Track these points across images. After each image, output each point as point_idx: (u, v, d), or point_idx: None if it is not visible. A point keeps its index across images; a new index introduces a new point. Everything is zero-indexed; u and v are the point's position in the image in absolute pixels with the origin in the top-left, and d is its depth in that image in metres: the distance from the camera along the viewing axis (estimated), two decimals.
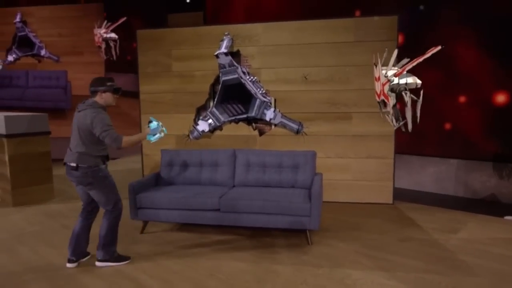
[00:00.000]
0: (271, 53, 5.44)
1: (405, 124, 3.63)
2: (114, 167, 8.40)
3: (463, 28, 5.85)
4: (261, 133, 5.61)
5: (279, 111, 5.46)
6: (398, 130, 3.84)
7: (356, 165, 5.37)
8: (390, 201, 5.34)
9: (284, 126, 5.47)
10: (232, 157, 4.69)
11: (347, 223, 4.63)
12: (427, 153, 6.67)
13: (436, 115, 6.22)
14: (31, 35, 9.97)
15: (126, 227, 4.51)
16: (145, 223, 4.39)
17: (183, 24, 10.05)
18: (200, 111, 5.77)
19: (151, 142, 3.58)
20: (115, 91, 3.46)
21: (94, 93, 3.41)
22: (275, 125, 5.52)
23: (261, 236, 4.20)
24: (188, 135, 5.78)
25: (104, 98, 3.41)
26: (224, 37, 5.54)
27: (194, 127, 5.71)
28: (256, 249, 3.89)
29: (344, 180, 5.41)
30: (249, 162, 4.64)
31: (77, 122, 3.35)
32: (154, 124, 3.56)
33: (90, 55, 9.67)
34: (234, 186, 4.63)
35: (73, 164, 3.34)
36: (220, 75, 5.54)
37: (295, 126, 5.45)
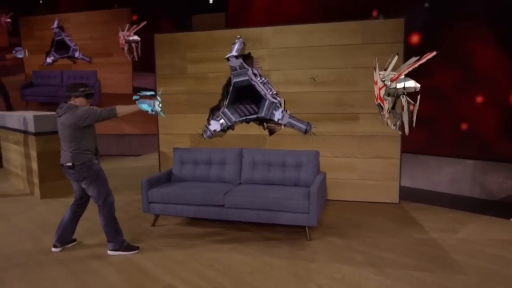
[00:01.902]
0: (281, 55, 5.63)
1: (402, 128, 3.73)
2: (136, 164, 8.88)
3: (481, 27, 5.82)
4: (271, 132, 5.82)
5: (287, 111, 5.65)
6: (411, 131, 3.93)
7: (363, 165, 5.49)
8: (396, 201, 5.42)
9: (292, 126, 5.65)
10: (239, 156, 4.93)
11: (349, 221, 4.77)
12: (444, 154, 6.66)
13: (453, 115, 6.22)
14: (66, 39, 10.82)
15: (140, 219, 4.87)
16: (157, 216, 4.70)
17: (206, 24, 10.43)
18: (214, 111, 6.03)
19: (143, 110, 3.73)
20: (87, 96, 3.77)
21: (68, 97, 3.75)
22: (284, 125, 5.71)
23: (263, 231, 4.42)
24: (202, 134, 6.06)
25: (77, 102, 3.73)
26: (236, 40, 5.78)
27: (207, 127, 5.99)
28: (256, 243, 4.11)
29: (350, 179, 5.54)
30: (254, 160, 4.87)
31: (63, 125, 3.68)
32: (146, 92, 3.75)
33: (118, 56, 10.24)
34: (240, 183, 4.87)
35: (69, 164, 3.69)
36: (232, 77, 5.78)
37: (303, 127, 5.62)
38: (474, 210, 5.13)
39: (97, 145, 3.87)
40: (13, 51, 9.06)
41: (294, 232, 4.36)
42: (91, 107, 3.81)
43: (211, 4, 11.33)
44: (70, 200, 4.67)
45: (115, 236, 3.88)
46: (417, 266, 3.52)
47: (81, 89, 3.73)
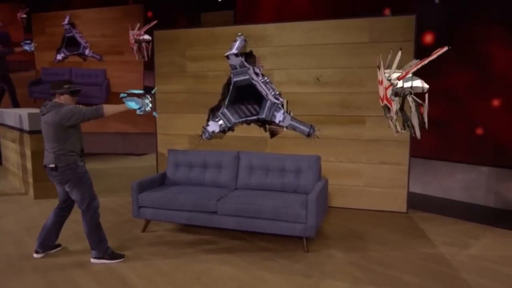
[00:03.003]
0: (284, 53, 5.34)
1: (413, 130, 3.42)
2: (139, 163, 8.70)
3: (498, 26, 5.44)
4: (273, 135, 5.54)
5: (290, 113, 5.36)
6: (422, 135, 3.61)
7: (369, 171, 5.17)
8: (404, 210, 5.09)
9: (294, 128, 5.36)
10: (236, 159, 4.67)
11: (352, 231, 4.47)
12: (456, 159, 6.29)
13: (467, 118, 5.84)
14: (77, 35, 10.62)
15: (131, 224, 4.64)
16: (147, 222, 4.47)
17: (215, 22, 10.17)
18: (214, 112, 5.78)
19: (131, 108, 3.49)
20: (72, 93, 3.55)
21: (53, 95, 3.54)
22: (285, 127, 5.43)
23: (257, 241, 4.15)
24: (201, 135, 5.82)
25: (62, 100, 3.53)
26: (237, 38, 5.52)
27: (205, 128, 5.74)
28: (249, 254, 3.85)
29: (356, 186, 5.23)
30: (252, 165, 4.60)
31: (46, 124, 3.48)
32: (135, 90, 3.53)
33: (129, 55, 9.89)
34: (236, 188, 4.61)
35: (52, 165, 3.47)
36: (232, 76, 5.52)
37: (306, 129, 5.33)
38: (487, 222, 4.77)
39: (82, 146, 3.65)
40: (21, 43, 8.98)
41: (291, 243, 4.08)
42: (77, 106, 3.59)
43: (220, 1, 11.11)
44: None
45: (98, 243, 3.66)
46: (421, 285, 3.20)
47: (65, 86, 3.52)
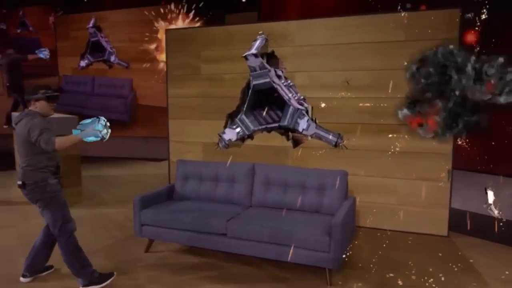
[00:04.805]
0: (306, 54, 4.78)
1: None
2: (156, 170, 8.30)
3: None
4: (296, 144, 4.98)
5: (314, 120, 4.79)
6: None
7: (404, 187, 4.52)
8: (444, 233, 4.41)
9: (319, 137, 4.79)
10: (251, 172, 4.14)
11: (383, 259, 3.84)
12: (505, 173, 5.53)
13: None
14: (103, 40, 9.91)
15: (133, 242, 4.19)
16: (151, 241, 4.00)
17: (239, 24, 9.67)
18: (232, 118, 5.28)
19: (87, 141, 3.02)
20: (49, 99, 3.12)
21: (28, 101, 3.14)
22: (310, 136, 4.86)
23: (272, 268, 3.59)
24: (218, 144, 5.33)
25: (38, 106, 3.12)
26: (258, 37, 5.01)
27: (221, 136, 5.25)
28: (260, 283, 3.32)
29: (387, 204, 4.59)
30: (268, 179, 4.06)
31: (17, 135, 3.09)
32: (86, 120, 3.00)
33: (159, 62, 9.18)
34: (250, 206, 4.08)
35: (19, 182, 3.06)
36: (251, 78, 5.01)
37: (332, 139, 4.74)
38: None
39: (58, 162, 3.21)
40: (36, 51, 8.63)
41: (311, 272, 3.49)
42: (45, 123, 3.08)
43: (244, 2, 10.67)
44: (75, 211, 4.11)
45: (81, 269, 3.21)
46: None
47: (41, 91, 3.11)
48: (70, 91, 10.42)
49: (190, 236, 3.68)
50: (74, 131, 2.92)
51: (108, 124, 2.99)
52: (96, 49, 10.03)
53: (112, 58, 9.83)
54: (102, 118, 2.95)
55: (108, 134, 2.98)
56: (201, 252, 3.91)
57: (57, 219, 3.13)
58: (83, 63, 10.22)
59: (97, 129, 2.89)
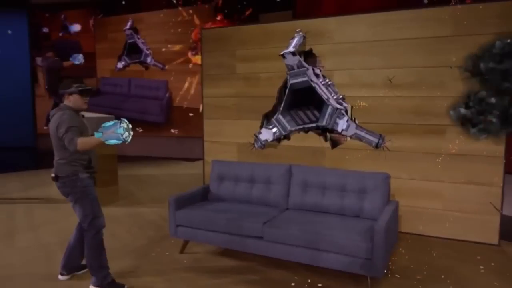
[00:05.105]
0: (346, 51, 4.60)
1: None
2: (191, 170, 8.32)
3: None
4: (334, 145, 4.80)
5: (355, 120, 4.60)
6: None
7: (450, 192, 4.25)
8: (495, 241, 4.11)
9: (359, 138, 4.59)
10: (287, 174, 4.01)
11: (429, 267, 3.61)
12: None
13: None
14: (139, 42, 9.98)
15: (169, 242, 4.17)
16: (186, 242, 3.95)
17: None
18: (268, 118, 5.17)
19: (108, 144, 2.93)
20: (82, 92, 3.09)
21: (62, 96, 3.12)
22: (349, 137, 4.67)
23: (310, 274, 3.44)
24: (253, 144, 5.24)
25: (72, 101, 3.10)
26: (295, 35, 4.87)
27: (257, 136, 5.15)
28: None
29: (432, 209, 4.34)
30: (306, 181, 3.92)
31: (50, 129, 3.07)
32: (108, 123, 2.91)
33: (195, 64, 9.17)
34: (287, 208, 3.95)
35: (52, 175, 3.08)
36: (288, 77, 4.88)
37: (373, 140, 4.53)
38: None
39: (91, 157, 3.17)
40: (71, 58, 8.78)
41: (351, 279, 3.33)
42: (74, 119, 3.04)
43: (278, 2, 10.55)
44: (108, 210, 4.16)
45: (97, 269, 3.18)
46: None
47: (75, 85, 3.09)
48: (107, 93, 10.56)
49: (225, 239, 3.60)
50: (96, 134, 2.87)
51: (130, 126, 2.92)
52: (133, 50, 10.14)
53: (149, 60, 9.89)
54: (124, 120, 2.89)
55: (130, 137, 2.91)
56: (237, 254, 3.81)
57: (87, 214, 3.12)
58: (120, 65, 10.37)
59: (118, 132, 2.81)
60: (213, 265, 3.66)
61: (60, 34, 11.38)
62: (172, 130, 9.73)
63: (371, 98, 4.52)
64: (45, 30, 11.49)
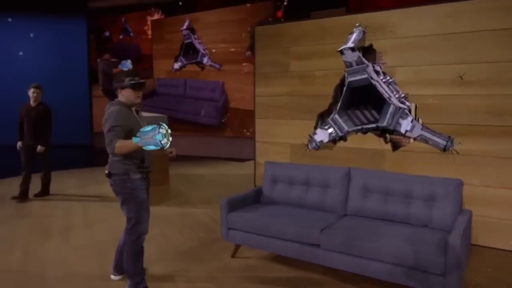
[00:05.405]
0: (410, 46, 4.26)
1: None
2: (240, 170, 8.21)
3: None
4: (395, 147, 4.47)
5: (420, 121, 4.25)
6: None
7: None
8: None
9: (425, 140, 4.23)
10: (346, 177, 3.74)
11: (507, 286, 3.21)
12: None
13: None
14: (196, 42, 9.86)
15: (220, 246, 4.04)
16: (238, 246, 3.80)
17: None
18: (323, 118, 4.93)
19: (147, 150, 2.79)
20: (134, 86, 2.94)
21: (116, 90, 3.01)
22: (413, 138, 4.32)
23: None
24: (307, 145, 5.01)
25: (124, 95, 2.98)
26: (354, 29, 4.59)
27: (311, 137, 4.91)
28: None
29: (508, 220, 3.89)
30: (367, 186, 3.63)
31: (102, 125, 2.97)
32: (147, 127, 2.76)
33: (252, 63, 8.93)
34: (345, 214, 3.68)
35: (106, 171, 2.99)
36: (346, 75, 4.61)
37: (441, 142, 4.16)
38: None
39: (145, 156, 3.02)
40: (119, 65, 8.96)
41: None
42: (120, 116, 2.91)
43: None
44: (160, 209, 4.11)
45: (132, 275, 3.07)
46: None
47: (127, 79, 2.96)
48: (163, 94, 10.54)
49: (279, 245, 3.40)
50: (134, 139, 2.74)
51: (169, 131, 2.78)
52: (189, 51, 10.03)
53: (205, 60, 9.76)
54: (163, 125, 2.74)
55: (169, 143, 2.77)
56: (292, 262, 3.60)
57: (131, 217, 3.02)
58: (176, 66, 10.31)
59: (156, 138, 2.67)
60: (266, 273, 3.48)
61: (121, 37, 11.65)
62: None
63: (438, 96, 4.14)
64: (107, 33, 11.81)
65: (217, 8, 9.42)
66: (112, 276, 3.36)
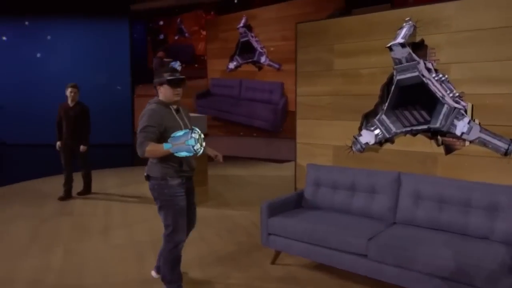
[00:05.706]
0: (467, 41, 3.90)
1: None
2: (280, 171, 8.02)
3: None
4: (449, 151, 4.13)
5: (478, 122, 3.89)
6: None
7: None
8: None
9: (484, 144, 3.86)
10: (396, 183, 3.49)
11: None
12: None
13: None
14: (253, 40, 9.28)
15: (260, 251, 3.90)
16: (278, 252, 3.63)
17: None
18: (369, 119, 4.66)
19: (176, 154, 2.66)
20: (171, 83, 2.78)
21: (155, 87, 2.88)
22: (470, 141, 3.97)
23: None
24: (351, 147, 4.76)
25: (162, 92, 2.84)
26: (404, 24, 4.29)
27: (356, 138, 4.65)
28: None
29: None
30: (419, 192, 3.36)
31: None
32: (179, 132, 2.64)
33: None
34: (394, 222, 3.42)
35: (145, 174, 2.89)
36: (394, 73, 4.32)
37: (502, 145, 3.78)
38: None
39: (183, 160, 2.85)
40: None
41: None
42: (155, 117, 2.78)
43: None
44: (201, 210, 4.04)
45: (169, 283, 2.98)
46: None
47: (165, 74, 2.82)
48: (217, 95, 10.03)
49: (323, 253, 3.21)
50: (165, 145, 2.63)
51: (202, 136, 2.64)
52: (245, 50, 9.41)
53: (263, 59, 9.12)
54: (196, 130, 2.61)
55: (202, 149, 2.64)
56: (336, 271, 3.39)
57: (168, 224, 2.92)
58: (231, 65, 9.77)
59: (189, 143, 2.55)
60: (307, 282, 3.29)
61: (176, 38, 11.38)
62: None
63: (499, 95, 3.77)
64: (161, 36, 11.79)
65: (276, 3, 8.78)
66: (153, 272, 3.32)
